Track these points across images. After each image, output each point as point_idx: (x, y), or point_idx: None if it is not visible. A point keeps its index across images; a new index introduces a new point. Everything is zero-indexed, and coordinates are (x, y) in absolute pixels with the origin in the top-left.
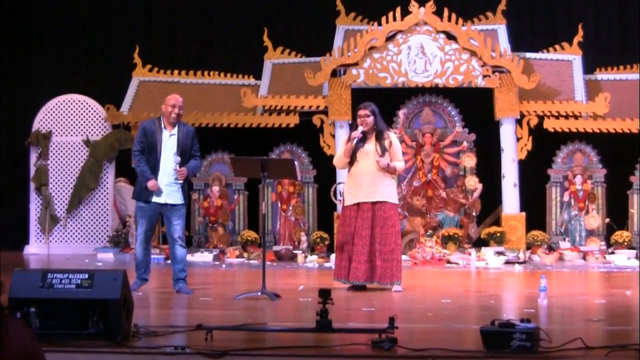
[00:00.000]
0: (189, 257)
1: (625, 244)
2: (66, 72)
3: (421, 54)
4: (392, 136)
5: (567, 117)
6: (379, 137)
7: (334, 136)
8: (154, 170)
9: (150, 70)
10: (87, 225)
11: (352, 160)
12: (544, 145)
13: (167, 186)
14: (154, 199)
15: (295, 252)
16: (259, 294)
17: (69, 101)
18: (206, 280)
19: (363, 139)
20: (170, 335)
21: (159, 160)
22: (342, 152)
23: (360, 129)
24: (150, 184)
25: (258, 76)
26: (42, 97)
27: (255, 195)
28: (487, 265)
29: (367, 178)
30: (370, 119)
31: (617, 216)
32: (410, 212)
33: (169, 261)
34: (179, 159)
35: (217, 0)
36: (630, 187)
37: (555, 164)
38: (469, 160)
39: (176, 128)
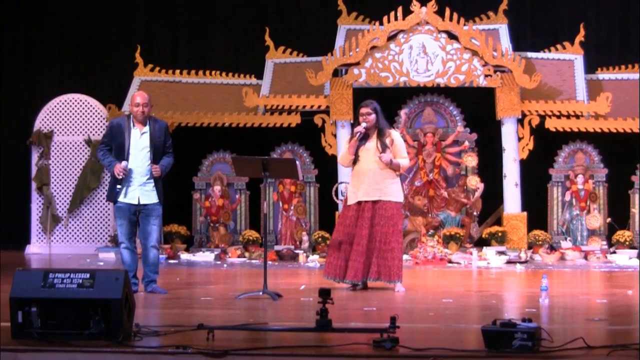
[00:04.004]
0: (191, 257)
1: (627, 243)
2: (67, 72)
3: (423, 53)
4: (393, 134)
5: (568, 116)
6: (381, 135)
7: (335, 136)
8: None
9: (152, 69)
10: (88, 225)
11: (355, 158)
12: (546, 144)
13: (141, 186)
14: (128, 200)
15: (296, 251)
16: (261, 293)
17: (71, 101)
18: (207, 279)
19: (365, 137)
20: (172, 335)
21: (127, 161)
22: (346, 150)
23: (364, 124)
24: (117, 168)
25: (259, 76)
26: (43, 96)
27: (257, 194)
28: (489, 264)
29: (369, 176)
30: (372, 117)
31: (619, 216)
32: (411, 212)
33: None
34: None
35: (219, 0)
36: (631, 186)
37: (557, 163)
38: (471, 160)
39: (147, 125)
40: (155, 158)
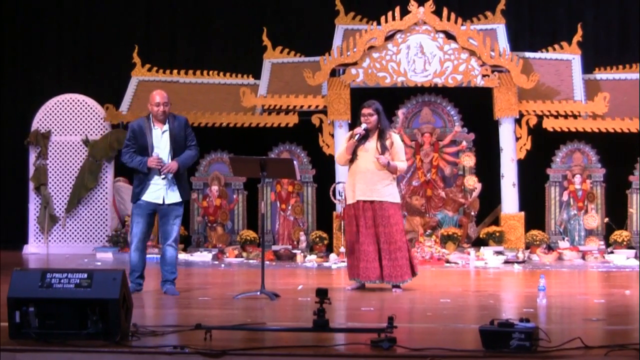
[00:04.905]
0: (189, 257)
1: (625, 243)
2: (65, 72)
3: (420, 53)
4: (394, 136)
5: (566, 116)
6: (381, 136)
7: (333, 136)
8: (149, 171)
9: (150, 69)
10: (86, 225)
11: (352, 157)
12: (543, 144)
13: (166, 186)
14: (152, 199)
15: (294, 251)
16: (258, 293)
17: (68, 101)
18: (205, 279)
19: (365, 137)
20: (169, 335)
21: None
22: (344, 149)
23: (364, 125)
24: (152, 162)
25: (257, 76)
26: (41, 96)
27: (255, 194)
28: (486, 264)
29: (366, 176)
30: (374, 118)
31: (616, 216)
32: (409, 212)
33: None
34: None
35: (217, 0)
36: (629, 186)
37: (555, 163)
38: (468, 160)
39: (167, 124)
40: (175, 155)
